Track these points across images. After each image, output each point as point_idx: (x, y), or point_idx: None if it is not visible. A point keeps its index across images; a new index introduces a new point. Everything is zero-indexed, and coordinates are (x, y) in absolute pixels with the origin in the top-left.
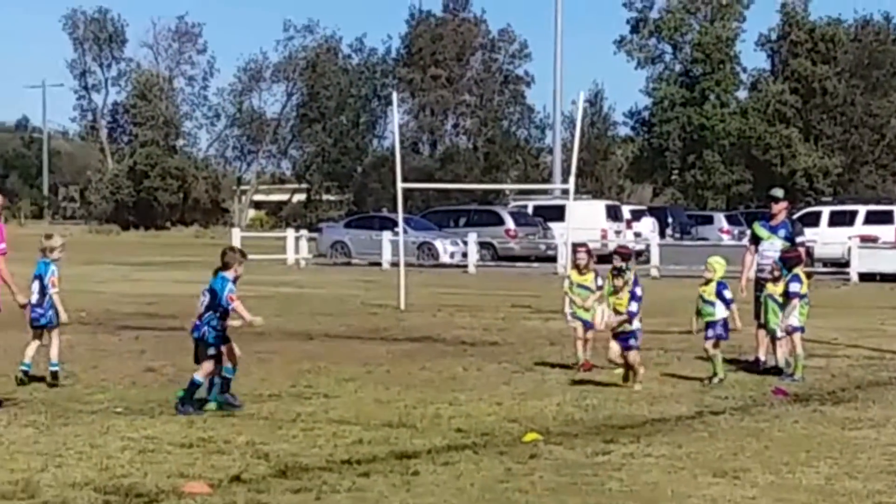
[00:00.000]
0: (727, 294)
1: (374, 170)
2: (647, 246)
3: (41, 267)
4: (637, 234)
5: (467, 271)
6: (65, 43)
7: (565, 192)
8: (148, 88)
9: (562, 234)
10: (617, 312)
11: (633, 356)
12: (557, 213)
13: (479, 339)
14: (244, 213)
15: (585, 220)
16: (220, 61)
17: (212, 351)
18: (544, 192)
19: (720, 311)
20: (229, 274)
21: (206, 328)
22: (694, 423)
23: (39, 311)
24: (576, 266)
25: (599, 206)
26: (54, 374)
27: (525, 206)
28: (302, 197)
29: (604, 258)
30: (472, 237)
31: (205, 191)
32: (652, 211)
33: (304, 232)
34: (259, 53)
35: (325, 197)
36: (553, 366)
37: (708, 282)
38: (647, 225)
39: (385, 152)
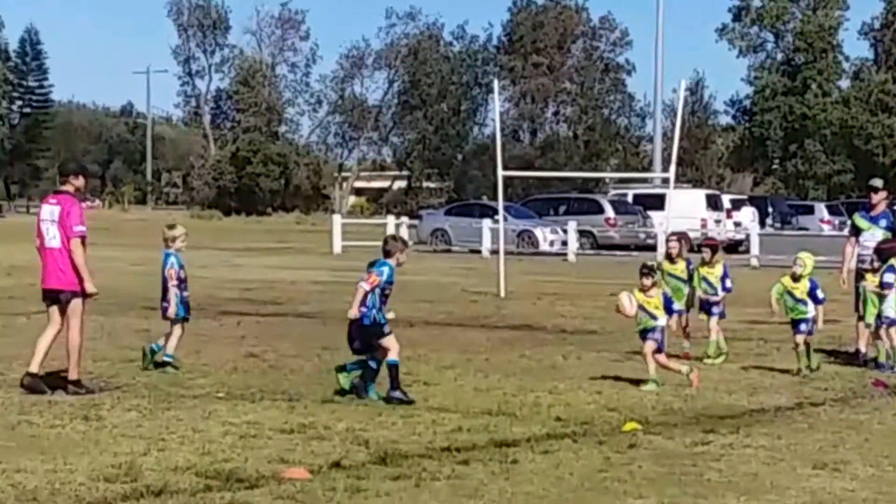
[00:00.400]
0: (820, 294)
1: (475, 157)
2: (747, 236)
3: (163, 259)
4: (737, 224)
5: (567, 259)
6: (169, 29)
7: (665, 180)
8: (251, 75)
9: (661, 223)
10: (644, 311)
11: (647, 346)
12: (657, 202)
13: (578, 328)
14: (345, 200)
15: (685, 209)
16: (323, 48)
17: (387, 329)
18: (644, 180)
19: (812, 309)
20: (391, 262)
21: (375, 312)
22: (793, 414)
23: (164, 304)
24: (668, 255)
25: (699, 195)
26: (164, 364)
27: (625, 195)
28: (402, 184)
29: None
30: (572, 225)
31: (306, 177)
32: (752, 200)
33: (404, 219)
34: (361, 40)
35: (425, 184)
36: None
37: (798, 277)
38: (748, 214)
39: (485, 140)
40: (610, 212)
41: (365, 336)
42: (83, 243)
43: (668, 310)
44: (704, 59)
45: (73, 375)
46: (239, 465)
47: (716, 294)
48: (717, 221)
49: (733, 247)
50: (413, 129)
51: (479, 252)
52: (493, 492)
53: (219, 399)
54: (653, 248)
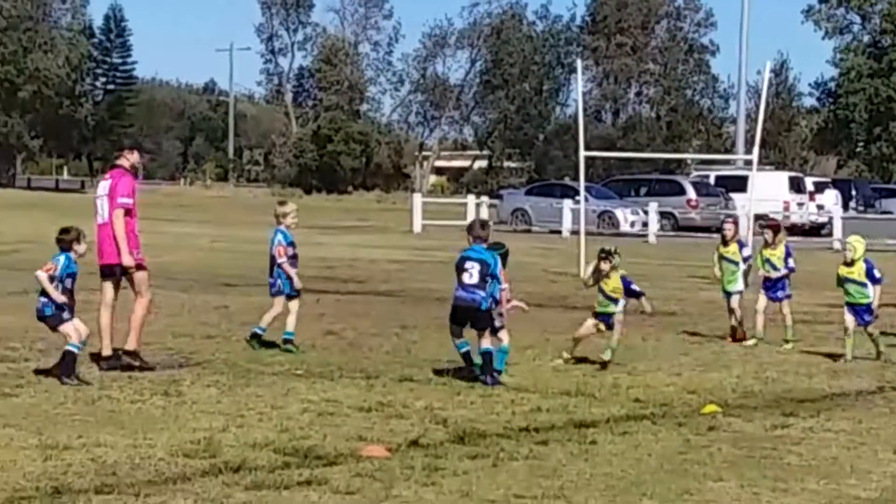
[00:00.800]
0: (877, 273)
1: (556, 137)
2: (830, 219)
3: (272, 235)
4: (820, 207)
5: (647, 241)
6: (253, 7)
7: (748, 162)
8: (333, 53)
9: (744, 206)
10: (602, 293)
11: (616, 329)
12: (740, 184)
13: (658, 309)
14: (425, 179)
15: (768, 192)
16: (406, 27)
17: (497, 322)
18: (727, 162)
19: (871, 291)
20: (484, 246)
21: (491, 300)
22: (875, 398)
23: (270, 280)
24: (722, 237)
25: (782, 177)
26: (286, 341)
27: (707, 177)
28: (483, 163)
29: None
30: (653, 206)
31: (387, 156)
32: (836, 183)
33: (484, 198)
34: (444, 19)
35: (506, 164)
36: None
37: (852, 262)
38: (831, 197)
39: (567, 120)
40: (691, 193)
41: (481, 319)
42: (130, 215)
43: (629, 292)
44: (789, 41)
45: (130, 346)
46: (317, 443)
47: (778, 271)
48: (800, 204)
49: (816, 230)
50: (495, 108)
51: (559, 232)
52: (572, 472)
53: (297, 376)
54: None
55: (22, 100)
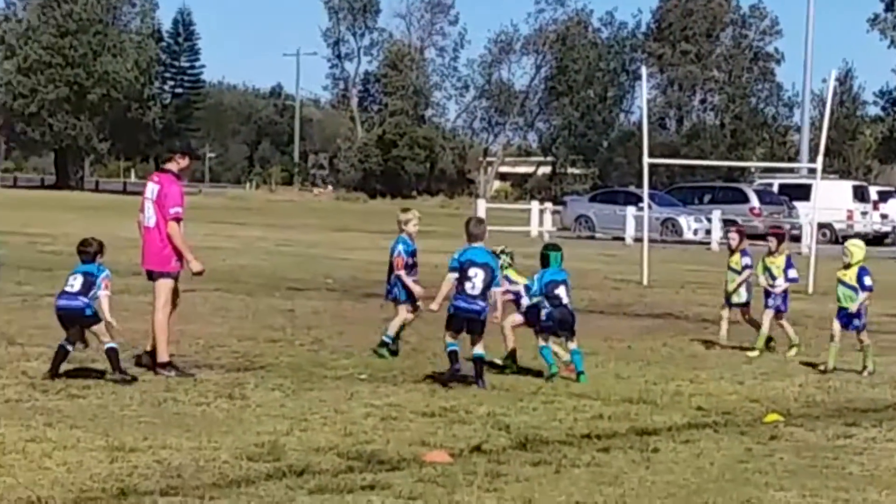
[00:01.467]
0: (867, 281)
1: (620, 144)
2: (894, 228)
3: (393, 242)
4: (884, 216)
5: (710, 248)
6: (320, 12)
7: (812, 171)
8: (399, 58)
9: (807, 214)
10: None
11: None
12: (803, 193)
13: (720, 317)
14: (489, 185)
15: (831, 200)
16: (471, 33)
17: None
18: (790, 170)
19: (861, 298)
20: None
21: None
22: None
23: (387, 286)
24: (729, 247)
25: (846, 186)
26: (382, 343)
27: (770, 185)
28: (547, 170)
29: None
30: (716, 214)
31: (451, 161)
32: None
33: (548, 205)
34: (510, 26)
35: (570, 170)
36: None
37: (847, 266)
38: (894, 207)
39: (631, 127)
40: (755, 201)
41: (480, 325)
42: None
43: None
44: (854, 49)
45: (161, 357)
46: (380, 447)
47: (774, 285)
48: (864, 213)
49: (879, 239)
50: (559, 115)
51: (622, 239)
52: (633, 480)
53: (361, 380)
54: (798, 238)
55: (91, 103)
